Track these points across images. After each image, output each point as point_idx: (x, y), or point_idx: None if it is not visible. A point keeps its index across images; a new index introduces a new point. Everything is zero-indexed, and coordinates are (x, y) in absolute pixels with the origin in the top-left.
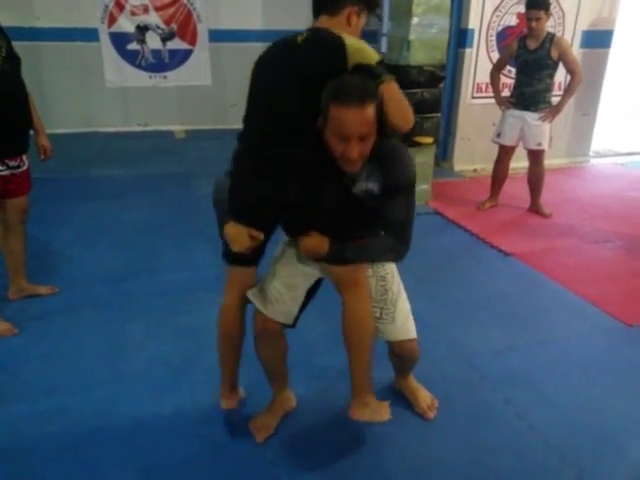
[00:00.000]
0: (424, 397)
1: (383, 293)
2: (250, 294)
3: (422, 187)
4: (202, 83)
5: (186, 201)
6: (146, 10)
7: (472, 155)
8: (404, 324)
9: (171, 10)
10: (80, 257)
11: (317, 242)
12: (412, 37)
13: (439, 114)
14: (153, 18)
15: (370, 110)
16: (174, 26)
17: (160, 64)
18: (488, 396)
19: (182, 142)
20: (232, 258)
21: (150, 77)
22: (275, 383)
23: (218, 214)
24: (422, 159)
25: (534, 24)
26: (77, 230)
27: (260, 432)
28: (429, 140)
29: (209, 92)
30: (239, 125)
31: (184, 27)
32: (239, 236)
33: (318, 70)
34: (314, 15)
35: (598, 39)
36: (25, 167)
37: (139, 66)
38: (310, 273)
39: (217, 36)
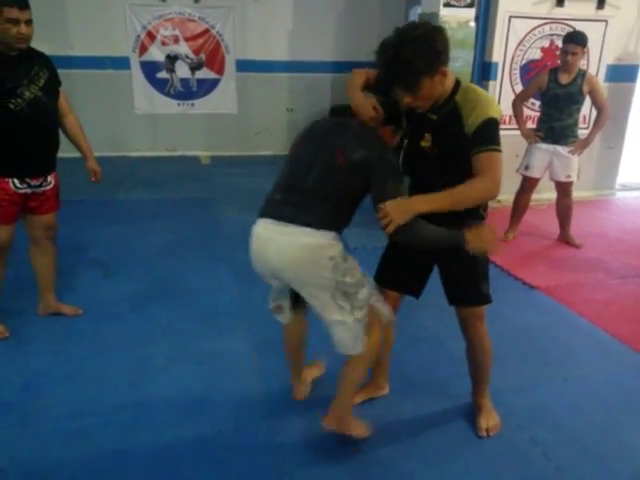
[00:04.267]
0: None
1: None
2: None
3: None
4: (228, 111)
5: (210, 226)
6: (176, 40)
7: None
8: None
9: (200, 41)
10: (106, 279)
11: None
12: None
13: None
14: (183, 48)
15: None
16: (203, 56)
17: (188, 92)
18: (514, 434)
19: (207, 167)
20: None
21: (178, 104)
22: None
23: None
24: None
25: (570, 58)
26: (104, 252)
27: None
28: None
29: (235, 120)
30: (263, 152)
31: (212, 57)
32: None
33: None
34: None
35: (623, 73)
36: (50, 186)
37: (168, 94)
38: None
39: (244, 66)
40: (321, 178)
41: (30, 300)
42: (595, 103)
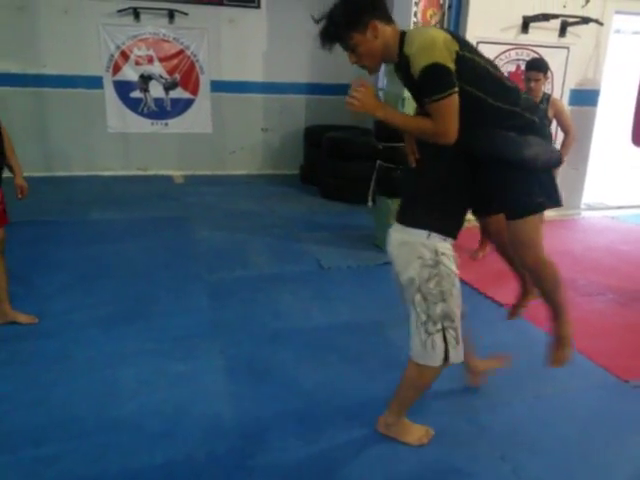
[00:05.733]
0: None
1: None
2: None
3: None
4: (203, 131)
5: (183, 245)
6: (150, 60)
7: None
8: None
9: (175, 61)
10: (76, 301)
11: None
12: (406, 94)
13: None
14: (157, 68)
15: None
16: (177, 76)
17: (162, 112)
18: (485, 451)
19: (181, 187)
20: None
21: (152, 124)
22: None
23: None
24: None
25: (533, 84)
26: (74, 274)
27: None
28: None
29: (209, 139)
30: (238, 171)
31: (187, 77)
32: None
33: None
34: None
35: (585, 98)
36: None
37: (141, 113)
38: None
39: (219, 86)
40: (418, 181)
41: None
42: (561, 126)
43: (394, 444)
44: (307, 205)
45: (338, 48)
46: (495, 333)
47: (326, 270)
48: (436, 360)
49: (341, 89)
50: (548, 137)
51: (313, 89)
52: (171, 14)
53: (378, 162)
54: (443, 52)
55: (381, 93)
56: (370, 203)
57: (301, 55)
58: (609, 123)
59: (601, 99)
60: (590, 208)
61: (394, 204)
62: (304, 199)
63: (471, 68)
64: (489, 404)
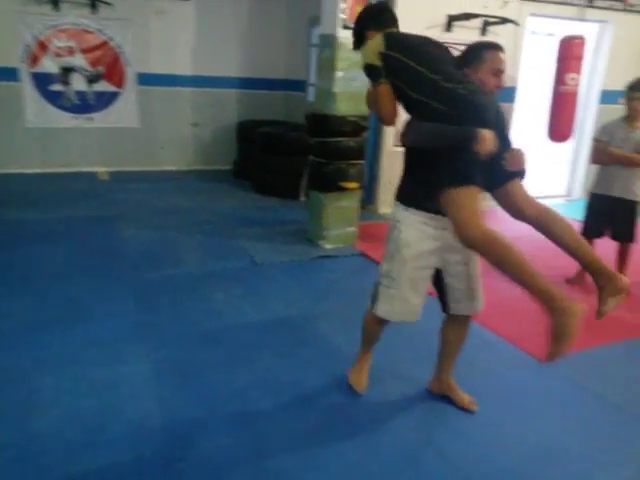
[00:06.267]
0: (463, 395)
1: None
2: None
3: (349, 229)
4: (129, 125)
5: (108, 246)
6: (71, 52)
7: None
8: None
9: (98, 53)
10: None
11: None
12: (336, 90)
13: (363, 161)
14: (79, 60)
15: None
16: (101, 68)
17: (85, 105)
18: (412, 435)
19: (106, 184)
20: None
21: (74, 118)
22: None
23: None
24: (348, 203)
25: None
26: None
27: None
28: (354, 185)
29: (136, 134)
30: (168, 167)
31: (111, 70)
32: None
33: None
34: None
35: (504, 95)
36: None
37: (62, 107)
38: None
39: (146, 79)
40: None
41: None
42: None
43: (328, 440)
44: (240, 200)
45: (268, 44)
46: (418, 320)
47: (259, 266)
48: (369, 301)
49: (273, 84)
50: (464, 122)
51: (244, 83)
52: (93, 4)
53: (310, 157)
54: (371, 55)
55: (312, 88)
56: (302, 197)
57: (231, 49)
58: (526, 119)
59: (526, 97)
60: None
61: (326, 198)
62: (237, 194)
63: (393, 64)
64: (414, 387)
